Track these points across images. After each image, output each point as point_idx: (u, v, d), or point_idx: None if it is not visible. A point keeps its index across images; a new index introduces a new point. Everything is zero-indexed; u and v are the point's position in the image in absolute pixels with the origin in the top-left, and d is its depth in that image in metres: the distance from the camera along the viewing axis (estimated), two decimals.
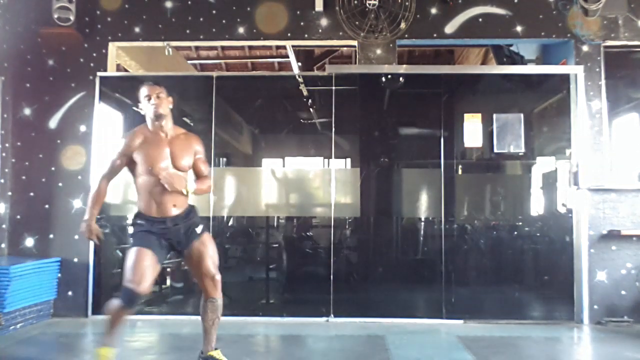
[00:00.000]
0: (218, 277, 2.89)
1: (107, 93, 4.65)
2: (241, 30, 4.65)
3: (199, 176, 3.07)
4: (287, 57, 6.76)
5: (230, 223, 4.83)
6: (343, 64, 7.89)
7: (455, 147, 4.53)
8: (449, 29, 4.60)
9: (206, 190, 3.07)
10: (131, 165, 2.92)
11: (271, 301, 4.65)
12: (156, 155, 2.86)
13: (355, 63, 4.77)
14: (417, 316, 4.36)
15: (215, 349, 2.93)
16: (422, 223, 4.59)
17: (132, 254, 2.77)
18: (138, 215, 2.91)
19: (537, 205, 4.63)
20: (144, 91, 2.94)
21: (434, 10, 4.60)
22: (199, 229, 2.94)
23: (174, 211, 2.87)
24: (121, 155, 2.90)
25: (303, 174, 4.77)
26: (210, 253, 2.91)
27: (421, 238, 4.59)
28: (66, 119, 4.59)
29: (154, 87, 2.94)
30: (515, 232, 4.57)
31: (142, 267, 2.71)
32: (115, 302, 2.76)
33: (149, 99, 2.91)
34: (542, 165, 4.60)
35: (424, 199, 4.57)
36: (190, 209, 2.97)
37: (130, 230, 2.96)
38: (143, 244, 2.78)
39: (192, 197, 2.93)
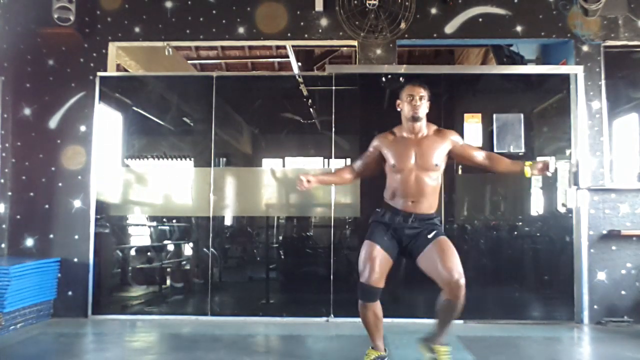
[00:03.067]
0: (460, 280, 2.75)
1: (107, 93, 4.65)
2: (241, 30, 4.66)
3: (478, 158, 3.04)
4: (287, 57, 6.76)
5: (230, 223, 4.83)
6: (343, 64, 7.89)
7: None
8: (449, 29, 4.60)
9: (512, 164, 3.01)
10: (383, 161, 3.05)
11: (271, 301, 4.65)
12: (401, 154, 2.94)
13: (355, 63, 4.77)
14: (417, 316, 4.36)
15: (445, 344, 2.91)
16: None
17: (363, 247, 2.92)
18: (382, 205, 3.01)
19: (537, 205, 4.63)
20: (407, 89, 2.96)
21: (434, 10, 4.61)
22: (431, 235, 2.87)
23: (411, 207, 2.91)
24: (373, 150, 3.07)
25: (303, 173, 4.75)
26: (445, 257, 2.80)
27: None
28: (66, 119, 4.60)
29: (418, 88, 2.95)
30: (515, 232, 4.57)
31: (373, 260, 2.82)
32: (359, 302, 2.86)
33: (412, 99, 2.93)
34: None
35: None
36: (432, 218, 2.94)
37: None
38: (373, 238, 2.90)
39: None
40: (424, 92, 2.97)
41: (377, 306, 2.89)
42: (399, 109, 3.05)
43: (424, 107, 2.97)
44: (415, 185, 2.91)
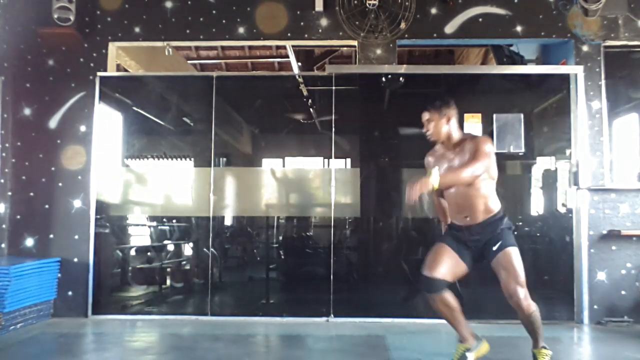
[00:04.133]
0: (515, 298, 2.83)
1: (107, 93, 4.65)
2: (241, 30, 4.66)
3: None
4: (287, 57, 6.76)
5: (230, 223, 4.84)
6: (343, 64, 7.89)
7: None
8: (449, 29, 4.60)
9: (449, 180, 2.83)
10: None
11: (271, 301, 4.66)
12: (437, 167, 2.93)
13: (355, 63, 4.77)
14: (417, 316, 4.36)
15: (543, 347, 2.94)
16: (422, 223, 4.59)
17: (433, 247, 3.01)
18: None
19: (537, 205, 4.62)
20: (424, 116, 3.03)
21: (434, 10, 4.61)
22: (495, 247, 2.87)
23: (468, 221, 2.93)
24: (426, 168, 3.10)
25: (303, 174, 4.77)
26: (503, 275, 2.86)
27: (421, 238, 4.59)
28: (66, 119, 4.60)
29: (424, 114, 3.01)
30: (515, 232, 4.54)
31: (436, 255, 2.93)
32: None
33: (424, 127, 3.02)
34: (542, 165, 4.59)
35: (424, 199, 4.56)
36: (492, 221, 2.90)
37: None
38: (442, 240, 3.03)
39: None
40: (428, 115, 3.01)
41: (446, 297, 2.94)
42: None
43: (435, 128, 2.99)
44: (462, 200, 2.93)
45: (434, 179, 2.66)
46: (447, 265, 2.91)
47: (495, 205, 2.94)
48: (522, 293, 2.83)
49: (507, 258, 2.86)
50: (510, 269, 2.85)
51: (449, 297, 2.95)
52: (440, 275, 2.89)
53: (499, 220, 2.92)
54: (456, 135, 3.02)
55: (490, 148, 2.86)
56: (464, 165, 2.81)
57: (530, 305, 2.84)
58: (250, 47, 7.82)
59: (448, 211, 3.10)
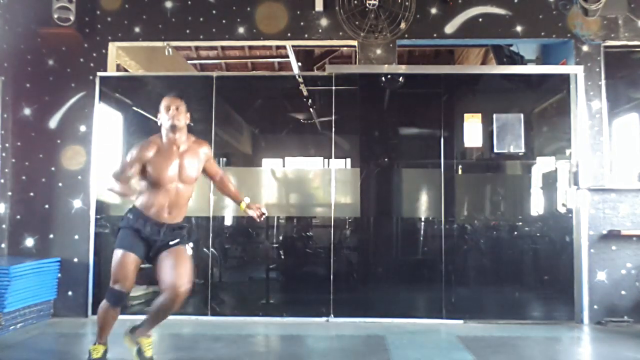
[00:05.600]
0: (179, 289, 2.89)
1: (107, 93, 4.65)
2: (241, 30, 4.65)
3: (216, 177, 3.30)
4: (287, 57, 6.76)
5: (230, 223, 4.83)
6: (343, 64, 7.89)
7: (455, 147, 4.53)
8: (449, 29, 4.60)
9: (235, 193, 3.33)
10: (143, 172, 2.99)
11: (271, 301, 4.65)
12: (165, 166, 2.95)
13: (355, 63, 4.77)
14: (417, 316, 4.36)
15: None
16: (422, 223, 4.59)
17: (117, 255, 2.99)
18: (132, 210, 3.01)
19: (537, 205, 4.62)
20: (164, 102, 3.03)
21: (434, 10, 4.60)
22: (174, 242, 2.99)
23: (170, 220, 2.99)
24: (133, 162, 2.96)
25: (303, 174, 4.77)
26: (174, 265, 2.91)
27: (421, 238, 4.59)
28: (66, 119, 4.60)
29: (175, 99, 3.03)
30: (515, 232, 4.57)
31: (126, 269, 2.95)
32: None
33: (168, 110, 2.99)
34: (542, 165, 4.59)
35: (424, 199, 4.57)
36: (183, 226, 3.08)
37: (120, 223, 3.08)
38: (126, 246, 2.98)
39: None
40: (179, 102, 3.04)
41: None
42: (159, 123, 3.08)
43: (182, 117, 3.03)
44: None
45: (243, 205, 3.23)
46: (134, 274, 3.02)
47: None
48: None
49: (183, 253, 3.02)
50: (184, 264, 2.98)
51: None
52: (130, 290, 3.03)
53: (186, 227, 3.15)
54: (185, 136, 3.08)
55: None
56: (222, 175, 3.35)
57: None
58: (250, 47, 7.82)
59: (144, 203, 3.02)
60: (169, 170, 2.96)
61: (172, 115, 2.96)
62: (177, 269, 2.89)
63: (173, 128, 2.98)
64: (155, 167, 2.94)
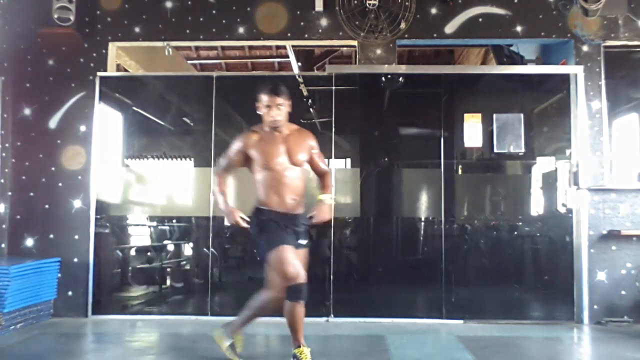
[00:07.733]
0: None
1: (107, 93, 4.65)
2: (241, 30, 4.65)
3: (319, 174, 3.18)
4: (287, 57, 6.76)
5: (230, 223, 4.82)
6: (343, 64, 7.89)
7: (455, 147, 4.53)
8: (449, 29, 4.60)
9: (326, 185, 3.17)
10: (248, 162, 3.00)
11: None
12: (272, 151, 2.94)
13: (355, 63, 4.77)
14: (417, 316, 4.36)
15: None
16: (422, 223, 4.59)
17: (276, 254, 2.83)
18: (260, 210, 2.96)
19: (537, 205, 4.62)
20: (264, 99, 2.97)
21: (434, 10, 4.60)
22: (304, 242, 2.99)
23: (293, 209, 2.96)
24: (237, 152, 3.01)
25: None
26: None
27: (421, 238, 4.59)
28: (66, 119, 4.59)
29: (275, 98, 2.95)
30: (515, 232, 4.57)
31: (292, 263, 2.81)
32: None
33: (270, 109, 2.95)
34: (542, 165, 4.59)
35: (424, 199, 4.56)
36: (309, 225, 3.05)
37: (251, 225, 3.00)
38: (277, 242, 2.85)
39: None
40: (281, 101, 2.97)
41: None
42: (260, 113, 3.03)
43: (284, 115, 3.00)
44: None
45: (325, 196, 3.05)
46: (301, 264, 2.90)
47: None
48: None
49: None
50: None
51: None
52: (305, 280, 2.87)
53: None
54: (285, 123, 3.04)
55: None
56: (326, 172, 3.20)
57: None
58: (250, 47, 7.82)
59: (264, 197, 2.99)
60: (277, 153, 2.93)
61: (274, 114, 2.94)
62: None
63: (275, 127, 2.98)
64: (262, 151, 2.94)
